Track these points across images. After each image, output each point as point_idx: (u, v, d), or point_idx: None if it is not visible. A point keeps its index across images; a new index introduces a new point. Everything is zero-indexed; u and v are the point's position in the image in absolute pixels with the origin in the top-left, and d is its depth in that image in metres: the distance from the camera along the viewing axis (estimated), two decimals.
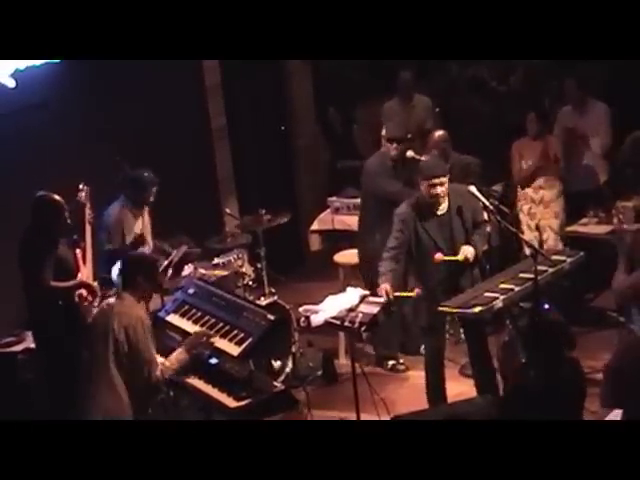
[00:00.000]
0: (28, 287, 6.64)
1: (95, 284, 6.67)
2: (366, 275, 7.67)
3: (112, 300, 5.62)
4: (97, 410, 5.43)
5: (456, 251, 6.35)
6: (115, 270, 6.89)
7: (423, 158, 7.41)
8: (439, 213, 6.38)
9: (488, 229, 6.83)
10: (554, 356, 5.10)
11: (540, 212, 8.31)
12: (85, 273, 6.73)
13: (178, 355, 5.62)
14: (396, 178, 7.49)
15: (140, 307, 5.59)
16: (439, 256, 6.31)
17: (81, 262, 6.76)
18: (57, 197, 6.66)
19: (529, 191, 8.34)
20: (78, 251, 6.79)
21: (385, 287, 6.22)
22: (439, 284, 6.39)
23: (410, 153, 7.50)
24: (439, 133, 7.88)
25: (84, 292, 6.63)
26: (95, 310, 6.37)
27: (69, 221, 6.72)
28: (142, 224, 7.42)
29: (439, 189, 6.28)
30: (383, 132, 7.65)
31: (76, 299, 6.63)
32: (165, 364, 5.53)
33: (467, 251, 6.33)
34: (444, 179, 6.30)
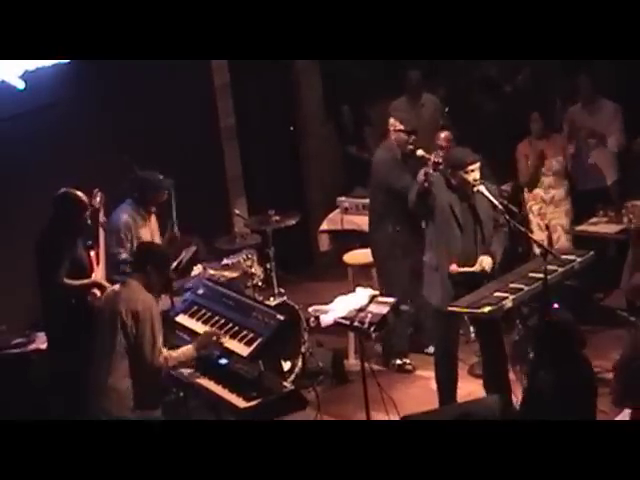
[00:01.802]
0: (42, 283, 6.66)
1: (108, 284, 6.67)
2: (380, 269, 7.68)
3: (118, 287, 5.66)
4: (106, 399, 5.46)
5: (476, 238, 6.38)
6: None
7: (432, 157, 7.39)
8: (462, 201, 6.40)
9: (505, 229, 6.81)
10: (563, 355, 5.09)
11: (551, 212, 8.29)
12: (98, 274, 6.75)
13: (186, 350, 5.65)
14: (407, 170, 7.49)
15: (146, 292, 5.60)
16: (454, 267, 6.32)
17: (95, 263, 6.79)
18: (81, 194, 6.69)
19: (539, 191, 8.32)
20: (92, 253, 6.83)
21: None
22: (450, 257, 6.40)
23: (420, 152, 7.49)
24: (444, 133, 7.91)
25: (97, 292, 6.63)
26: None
27: (89, 221, 6.74)
28: (150, 226, 7.41)
29: (472, 176, 6.32)
30: (396, 124, 7.60)
31: (89, 298, 6.62)
32: (172, 354, 5.56)
33: (485, 262, 6.34)
34: (478, 165, 6.36)
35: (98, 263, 6.83)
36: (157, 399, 5.64)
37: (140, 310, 5.44)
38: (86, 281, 6.68)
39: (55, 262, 6.54)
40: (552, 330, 5.47)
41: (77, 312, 6.59)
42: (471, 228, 6.41)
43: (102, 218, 6.99)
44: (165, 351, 5.55)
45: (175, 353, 5.60)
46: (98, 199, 6.98)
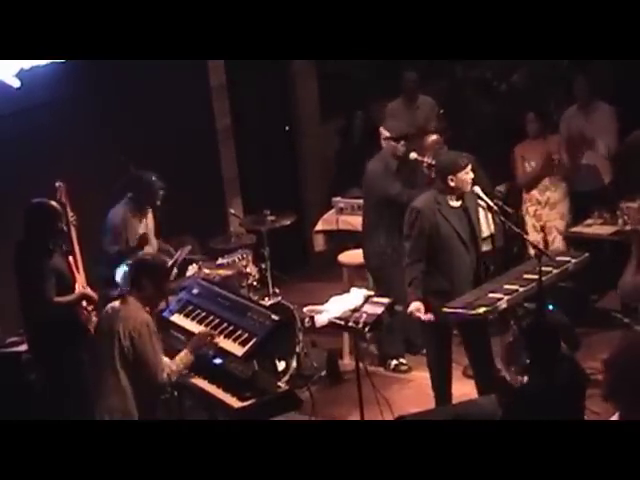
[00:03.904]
0: (28, 299, 6.51)
1: (93, 293, 6.57)
2: (376, 277, 7.70)
3: (116, 304, 5.62)
4: (103, 412, 5.45)
5: (477, 243, 6.37)
6: (120, 272, 6.87)
7: (426, 159, 7.42)
8: (454, 205, 6.38)
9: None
10: (554, 357, 5.11)
11: (546, 214, 8.29)
12: (80, 281, 6.62)
13: (183, 357, 5.63)
14: (399, 179, 7.49)
15: (145, 311, 5.58)
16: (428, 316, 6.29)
17: (74, 269, 6.62)
18: (53, 203, 6.52)
19: (535, 193, 8.32)
20: (70, 259, 6.65)
21: (417, 307, 6.23)
22: (463, 276, 6.37)
23: (413, 155, 7.52)
24: (433, 137, 7.90)
25: (84, 303, 6.55)
26: (96, 318, 6.36)
27: (65, 228, 6.59)
28: (146, 226, 7.41)
29: (470, 176, 6.32)
30: (384, 132, 7.60)
31: (77, 310, 6.53)
32: (172, 367, 5.53)
33: None
34: (470, 167, 6.35)
35: (77, 269, 6.65)
36: (155, 411, 5.64)
37: (138, 330, 5.41)
38: (74, 296, 6.53)
39: (42, 283, 6.36)
40: (539, 332, 5.49)
41: (65, 325, 6.51)
42: (472, 237, 6.40)
43: (70, 215, 6.72)
44: (167, 367, 5.53)
45: (174, 365, 5.57)
46: (62, 193, 6.73)
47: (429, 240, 6.31)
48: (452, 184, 6.32)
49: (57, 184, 6.77)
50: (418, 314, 6.25)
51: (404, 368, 7.73)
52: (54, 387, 6.62)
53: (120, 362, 5.43)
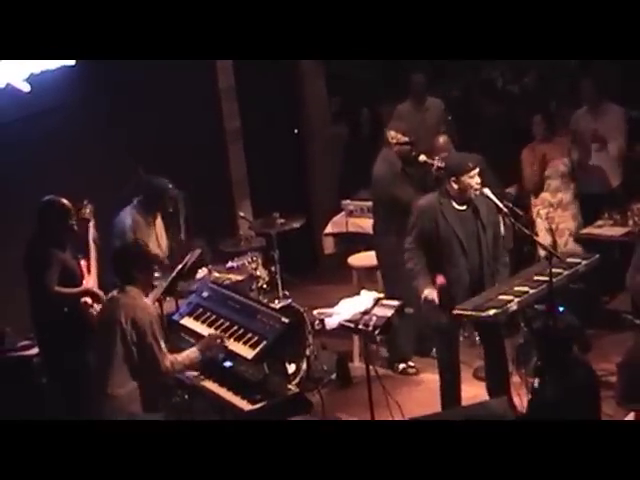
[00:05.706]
0: (33, 292, 6.61)
1: (100, 292, 6.60)
2: (386, 276, 7.68)
3: (115, 293, 5.65)
4: (108, 405, 5.46)
5: (480, 245, 6.35)
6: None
7: (435, 162, 7.40)
8: (459, 208, 6.37)
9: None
10: (567, 359, 5.10)
11: (558, 215, 8.26)
12: (90, 282, 6.68)
13: (190, 353, 5.67)
14: (407, 182, 7.45)
15: (145, 298, 5.62)
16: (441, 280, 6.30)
17: (85, 271, 6.71)
18: (65, 201, 6.61)
19: (546, 195, 8.29)
20: (83, 262, 6.75)
21: (431, 292, 6.31)
22: (458, 278, 6.37)
23: (422, 157, 7.49)
24: (442, 139, 7.89)
25: (89, 300, 6.59)
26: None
27: (76, 227, 6.67)
28: (155, 230, 7.39)
29: (475, 180, 6.30)
30: (399, 137, 7.54)
31: (81, 306, 6.56)
32: (177, 359, 5.57)
33: None
34: (477, 170, 6.33)
35: (89, 272, 6.73)
36: (158, 402, 5.65)
37: (139, 317, 5.45)
38: (78, 289, 6.61)
39: (45, 271, 6.46)
40: (551, 335, 5.49)
41: (69, 320, 6.55)
42: (474, 242, 6.39)
43: (93, 233, 6.87)
44: (170, 355, 5.56)
45: (180, 357, 5.62)
46: (88, 210, 6.88)
47: (428, 239, 6.35)
48: (455, 186, 6.32)
49: (85, 201, 6.87)
50: (432, 298, 6.31)
51: (412, 371, 7.72)
52: (60, 386, 6.65)
53: (122, 352, 5.45)
